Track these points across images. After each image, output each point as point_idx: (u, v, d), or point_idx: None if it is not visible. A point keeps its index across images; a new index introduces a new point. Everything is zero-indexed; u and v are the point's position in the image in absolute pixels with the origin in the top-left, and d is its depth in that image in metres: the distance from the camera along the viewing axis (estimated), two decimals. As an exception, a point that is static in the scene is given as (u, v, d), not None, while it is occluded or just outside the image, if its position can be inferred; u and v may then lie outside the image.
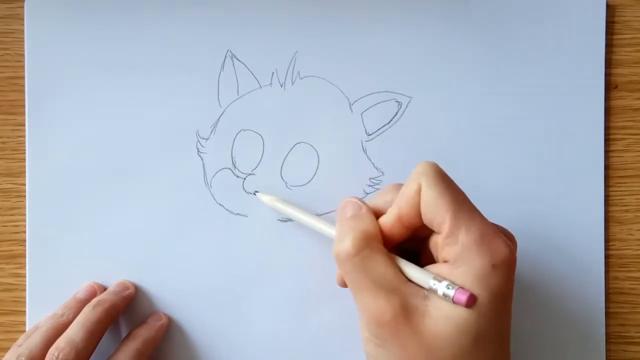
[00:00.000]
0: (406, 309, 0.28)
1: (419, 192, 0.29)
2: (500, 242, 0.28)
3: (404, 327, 0.28)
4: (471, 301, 0.27)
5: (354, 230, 0.30)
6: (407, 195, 0.30)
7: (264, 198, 0.37)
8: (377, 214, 0.32)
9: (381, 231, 0.31)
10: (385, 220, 0.31)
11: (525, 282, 0.38)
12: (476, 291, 0.27)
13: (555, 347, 0.38)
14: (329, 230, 0.34)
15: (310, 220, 0.35)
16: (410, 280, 0.29)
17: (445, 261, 0.29)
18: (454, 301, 0.27)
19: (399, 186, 0.31)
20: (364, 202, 0.32)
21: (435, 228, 0.29)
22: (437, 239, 0.30)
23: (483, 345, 0.28)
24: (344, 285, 0.32)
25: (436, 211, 0.29)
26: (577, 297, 0.38)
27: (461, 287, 0.27)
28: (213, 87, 0.38)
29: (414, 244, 0.32)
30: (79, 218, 0.38)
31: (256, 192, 0.38)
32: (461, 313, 0.27)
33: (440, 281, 0.28)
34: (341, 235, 0.31)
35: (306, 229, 0.36)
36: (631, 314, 0.39)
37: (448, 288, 0.28)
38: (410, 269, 0.30)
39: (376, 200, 0.33)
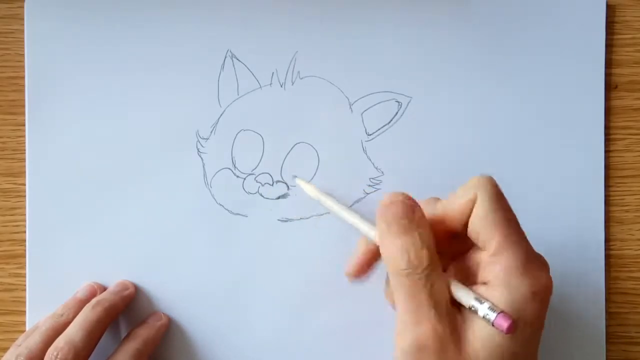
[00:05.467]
0: (450, 333, 0.27)
1: (473, 202, 0.28)
2: (544, 271, 0.28)
3: (443, 350, 0.27)
4: (512, 328, 0.26)
5: (416, 244, 0.28)
6: (459, 202, 0.29)
7: (304, 185, 0.37)
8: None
9: None
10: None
11: (525, 282, 0.38)
12: (512, 316, 0.27)
13: (556, 347, 0.38)
14: (365, 227, 0.32)
15: (347, 215, 0.33)
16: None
17: (484, 282, 0.28)
18: (493, 324, 0.27)
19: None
20: (415, 202, 0.29)
21: (479, 243, 0.29)
22: (477, 256, 0.29)
23: None
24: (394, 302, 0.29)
25: (486, 226, 0.28)
26: (577, 297, 0.38)
27: (504, 312, 0.27)
28: (213, 87, 0.38)
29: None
30: (79, 218, 0.38)
31: (295, 176, 0.38)
32: (495, 338, 0.27)
33: (482, 302, 0.27)
34: (403, 246, 0.28)
35: (305, 229, 0.36)
36: (631, 314, 0.39)
37: (490, 310, 0.27)
38: (454, 286, 0.28)
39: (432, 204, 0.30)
